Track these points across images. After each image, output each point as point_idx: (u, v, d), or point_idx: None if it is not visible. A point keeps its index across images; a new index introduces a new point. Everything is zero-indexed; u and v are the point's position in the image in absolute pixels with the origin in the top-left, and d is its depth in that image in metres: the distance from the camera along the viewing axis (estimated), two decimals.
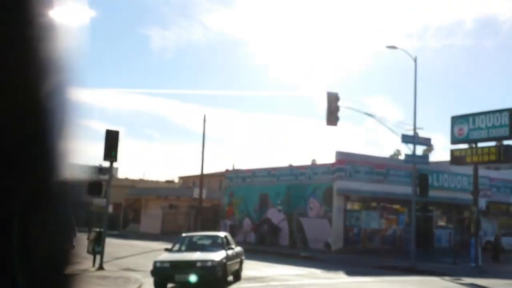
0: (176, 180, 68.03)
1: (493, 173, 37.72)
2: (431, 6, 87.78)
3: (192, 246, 15.66)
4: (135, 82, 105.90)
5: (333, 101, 25.72)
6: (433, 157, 44.78)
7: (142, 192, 53.26)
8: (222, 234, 17.32)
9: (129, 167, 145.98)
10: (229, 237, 16.97)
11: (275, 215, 34.68)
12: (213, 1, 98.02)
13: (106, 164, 24.32)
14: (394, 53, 29.54)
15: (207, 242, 16.19)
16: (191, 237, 16.97)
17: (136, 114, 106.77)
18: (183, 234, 17.78)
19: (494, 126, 25.66)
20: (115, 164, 26.19)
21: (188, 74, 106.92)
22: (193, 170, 53.77)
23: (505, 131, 25.10)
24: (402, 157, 33.39)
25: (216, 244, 15.49)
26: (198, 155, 40.14)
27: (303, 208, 32.69)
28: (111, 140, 22.62)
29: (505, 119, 25.06)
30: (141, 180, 64.83)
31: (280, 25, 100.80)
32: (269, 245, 32.92)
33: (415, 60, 28.00)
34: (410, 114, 28.03)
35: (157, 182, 65.49)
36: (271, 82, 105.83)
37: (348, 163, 31.10)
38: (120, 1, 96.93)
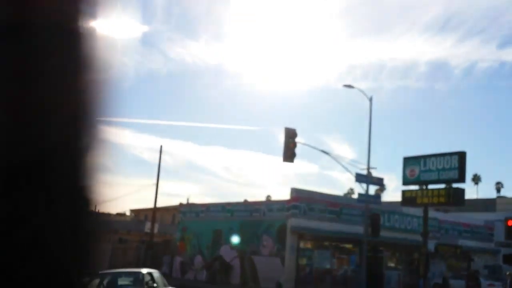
0: (128, 213, 66.47)
1: (442, 215, 38.55)
2: (386, 47, 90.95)
3: (109, 285, 13.68)
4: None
5: (290, 137, 25.95)
6: (385, 197, 45.55)
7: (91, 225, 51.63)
8: (144, 270, 14.95)
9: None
10: (156, 275, 14.83)
11: (227, 252, 34.13)
12: (175, 30, 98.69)
13: None
14: (350, 92, 30.28)
15: (126, 280, 14.21)
16: (109, 274, 14.71)
17: None
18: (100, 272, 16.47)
19: (444, 169, 26.37)
20: None
21: (146, 103, 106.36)
22: (146, 203, 52.74)
23: (454, 173, 25.83)
24: (355, 195, 33.80)
25: (137, 283, 13.62)
26: (152, 187, 39.43)
27: (256, 245, 32.35)
28: None
29: (455, 162, 25.83)
30: (91, 212, 62.89)
31: (242, 57, 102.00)
32: (220, 284, 32.27)
33: (370, 100, 28.72)
34: (364, 153, 28.52)
35: (108, 214, 63.74)
36: (229, 115, 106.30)
37: (303, 201, 31.13)
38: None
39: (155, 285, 13.93)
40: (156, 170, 39.23)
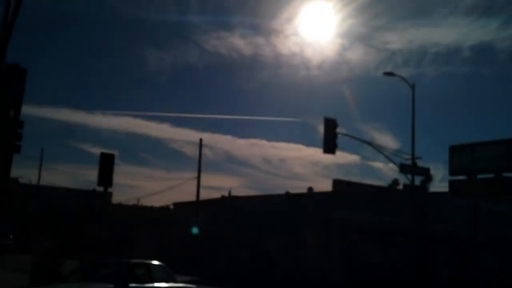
0: (171, 207, 67.27)
1: (493, 206, 37.30)
2: (428, 32, 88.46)
3: (91, 275, 11.34)
4: (131, 104, 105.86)
5: (330, 127, 25.54)
6: (432, 188, 44.45)
7: (136, 219, 52.57)
8: (135, 261, 12.06)
9: (123, 191, 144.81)
10: (157, 268, 12.03)
11: (271, 246, 34.04)
12: (210, 22, 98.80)
13: (100, 188, 23.89)
14: (391, 80, 29.54)
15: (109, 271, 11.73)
16: (94, 264, 12.97)
17: (131, 137, 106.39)
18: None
19: (493, 158, 25.38)
20: (109, 189, 25.79)
21: (184, 97, 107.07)
22: (188, 197, 53.23)
23: (504, 162, 24.83)
24: (400, 186, 33.10)
25: (118, 274, 11.03)
26: (193, 181, 39.69)
27: (300, 238, 32.14)
28: (106, 164, 22.29)
29: (504, 150, 24.83)
30: (135, 206, 64.10)
31: (277, 48, 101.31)
32: (264, 278, 32.25)
33: (413, 88, 27.96)
34: (408, 142, 27.77)
35: (152, 208, 64.76)
36: (267, 106, 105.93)
37: (346, 192, 30.70)
38: (117, 22, 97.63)
39: (146, 280, 11.27)
40: (197, 163, 39.48)
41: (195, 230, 36.27)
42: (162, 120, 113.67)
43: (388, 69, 29.22)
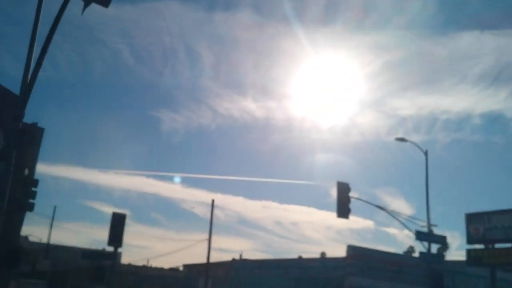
0: (181, 268, 66.25)
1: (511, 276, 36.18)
2: (438, 100, 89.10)
3: None
4: (144, 164, 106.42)
5: (343, 191, 25.28)
6: (449, 256, 43.38)
7: (145, 280, 51.63)
8: None
9: (133, 252, 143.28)
10: None
11: None
12: (222, 86, 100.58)
13: (110, 248, 23.61)
14: (403, 146, 29.45)
15: None
16: None
17: (142, 197, 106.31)
18: None
19: (510, 226, 24.95)
20: (119, 249, 25.52)
21: (197, 158, 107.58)
22: (199, 259, 52.44)
23: None
24: (416, 254, 32.34)
25: None
26: (204, 243, 39.17)
27: None
28: (118, 223, 22.19)
29: None
30: (144, 267, 63.16)
31: (289, 111, 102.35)
32: None
33: (426, 154, 27.82)
34: (422, 208, 27.36)
35: (161, 269, 63.74)
36: (279, 169, 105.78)
37: (360, 258, 29.99)
38: (132, 85, 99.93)
39: None
40: (208, 224, 39.08)
41: None
42: (174, 180, 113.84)
43: (399, 135, 29.20)
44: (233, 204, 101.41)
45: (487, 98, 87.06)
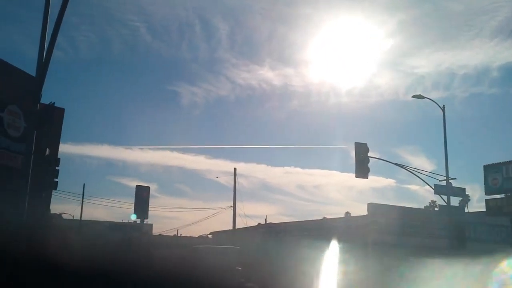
0: (209, 235, 67.75)
1: None
2: (455, 55, 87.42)
3: None
4: (167, 139, 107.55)
5: (362, 152, 25.46)
6: (471, 208, 43.48)
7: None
8: None
9: (162, 223, 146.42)
10: None
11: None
12: (239, 56, 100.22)
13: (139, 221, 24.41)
14: (421, 104, 29.43)
15: None
16: None
17: (168, 170, 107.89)
18: None
19: None
20: (149, 221, 26.39)
21: (218, 129, 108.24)
22: (225, 225, 53.54)
23: None
24: (438, 208, 32.54)
25: None
26: (229, 210, 40.04)
27: None
28: (142, 195, 22.93)
29: None
30: (175, 236, 64.77)
31: (306, 77, 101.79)
32: None
33: (443, 109, 27.77)
34: (442, 164, 27.41)
35: (191, 238, 65.29)
36: (299, 134, 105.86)
37: (381, 215, 30.39)
38: (150, 60, 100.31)
39: None
40: (233, 193, 39.86)
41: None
42: (197, 152, 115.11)
43: (418, 93, 29.00)
44: (256, 171, 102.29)
45: (504, 50, 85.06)
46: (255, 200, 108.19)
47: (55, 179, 15.96)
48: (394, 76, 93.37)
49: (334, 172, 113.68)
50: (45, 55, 13.33)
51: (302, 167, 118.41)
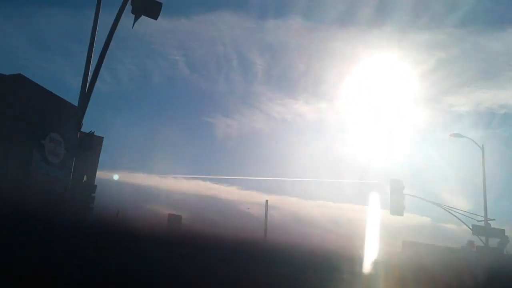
0: None
1: None
2: (495, 95, 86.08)
3: None
4: (200, 169, 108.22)
5: (397, 189, 25.19)
6: (510, 250, 41.99)
7: None
8: None
9: None
10: None
11: None
12: (275, 90, 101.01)
13: None
14: (458, 143, 28.96)
15: None
16: None
17: (200, 200, 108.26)
18: None
19: None
20: None
21: (251, 161, 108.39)
22: None
23: None
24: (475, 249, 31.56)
25: None
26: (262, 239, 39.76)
27: None
28: (174, 225, 23.03)
29: None
30: None
31: (340, 112, 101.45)
32: None
33: (482, 148, 27.29)
34: (480, 204, 26.81)
35: None
36: (333, 169, 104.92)
37: (415, 254, 29.61)
38: (187, 93, 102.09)
39: None
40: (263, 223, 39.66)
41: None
42: (230, 183, 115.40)
43: (456, 131, 28.67)
44: (288, 204, 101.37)
45: None
46: (286, 232, 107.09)
47: (91, 205, 16.26)
48: (431, 114, 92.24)
49: (366, 207, 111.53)
50: (88, 86, 13.82)
51: (335, 202, 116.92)
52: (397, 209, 25.14)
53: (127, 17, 13.62)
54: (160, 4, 13.63)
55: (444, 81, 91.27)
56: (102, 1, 14.95)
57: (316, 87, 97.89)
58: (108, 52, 13.70)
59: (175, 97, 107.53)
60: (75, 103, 14.54)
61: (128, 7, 13.56)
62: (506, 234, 28.13)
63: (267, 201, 41.25)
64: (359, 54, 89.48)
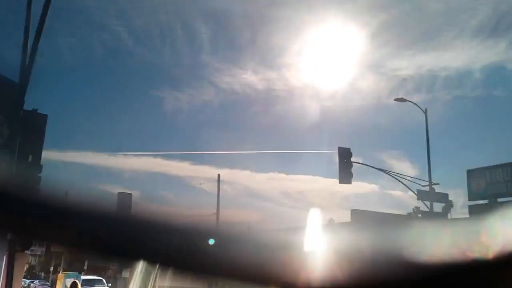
0: None
1: None
2: (436, 57, 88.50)
3: None
4: (150, 145, 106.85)
5: (345, 157, 25.36)
6: (454, 214, 43.78)
7: None
8: None
9: None
10: None
11: None
12: (222, 60, 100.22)
13: None
14: (404, 107, 29.58)
15: None
16: None
17: (152, 177, 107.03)
18: None
19: None
20: None
21: (202, 135, 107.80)
22: None
23: None
24: (420, 215, 32.68)
25: None
26: (213, 216, 39.81)
27: None
28: (124, 203, 22.75)
29: None
30: None
31: (289, 81, 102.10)
32: None
33: (425, 112, 27.87)
34: (425, 169, 27.55)
35: None
36: (283, 139, 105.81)
37: (364, 222, 30.46)
38: (132, 65, 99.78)
39: None
40: (216, 199, 39.69)
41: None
42: (181, 158, 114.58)
43: (400, 96, 29.18)
44: (240, 178, 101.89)
45: (486, 50, 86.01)
46: (239, 207, 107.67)
47: (37, 186, 15.70)
48: (376, 79, 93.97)
49: (318, 178, 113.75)
50: (28, 61, 13.20)
51: (287, 173, 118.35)
52: (345, 178, 25.39)
53: None
54: None
55: (386, 45, 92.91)
56: None
57: (263, 55, 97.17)
58: (46, 24, 13.10)
59: (120, 70, 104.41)
60: (15, 80, 13.87)
61: None
62: (449, 198, 29.23)
63: (219, 175, 41.25)
64: (304, 19, 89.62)
